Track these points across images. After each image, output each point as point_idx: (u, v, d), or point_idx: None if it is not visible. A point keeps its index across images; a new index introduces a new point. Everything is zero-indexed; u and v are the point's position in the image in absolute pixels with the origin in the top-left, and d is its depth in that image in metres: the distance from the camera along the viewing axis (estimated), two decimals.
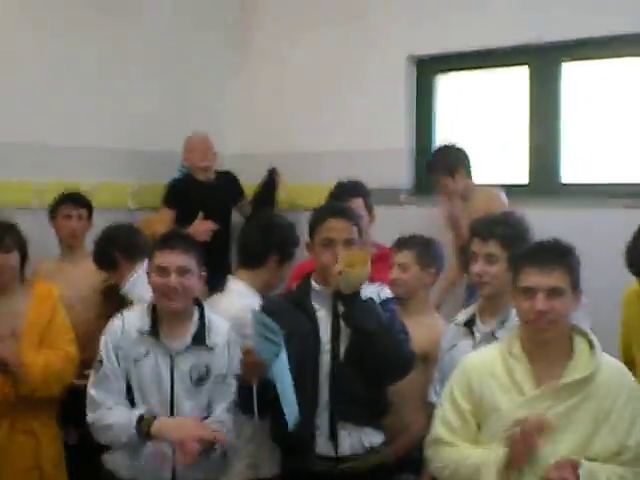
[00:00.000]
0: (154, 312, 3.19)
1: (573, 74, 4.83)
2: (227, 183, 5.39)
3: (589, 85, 4.78)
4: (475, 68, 5.20)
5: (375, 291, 3.18)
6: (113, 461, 3.20)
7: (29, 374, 3.46)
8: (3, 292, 3.58)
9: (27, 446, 3.57)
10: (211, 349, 3.17)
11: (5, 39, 4.73)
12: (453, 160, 4.75)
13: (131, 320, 3.20)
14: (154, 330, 3.14)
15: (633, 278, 3.42)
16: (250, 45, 5.95)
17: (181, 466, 3.07)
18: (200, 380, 3.15)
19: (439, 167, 4.76)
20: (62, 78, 4.98)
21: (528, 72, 4.94)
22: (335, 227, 3.17)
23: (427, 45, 5.21)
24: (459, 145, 4.78)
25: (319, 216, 3.23)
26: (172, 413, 3.12)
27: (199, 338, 3.17)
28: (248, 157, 5.63)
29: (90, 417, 3.12)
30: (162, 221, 4.94)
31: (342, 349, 3.10)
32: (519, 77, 5.01)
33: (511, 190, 4.67)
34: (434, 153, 4.92)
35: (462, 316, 3.31)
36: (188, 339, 3.17)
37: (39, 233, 4.23)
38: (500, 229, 3.17)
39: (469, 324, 3.24)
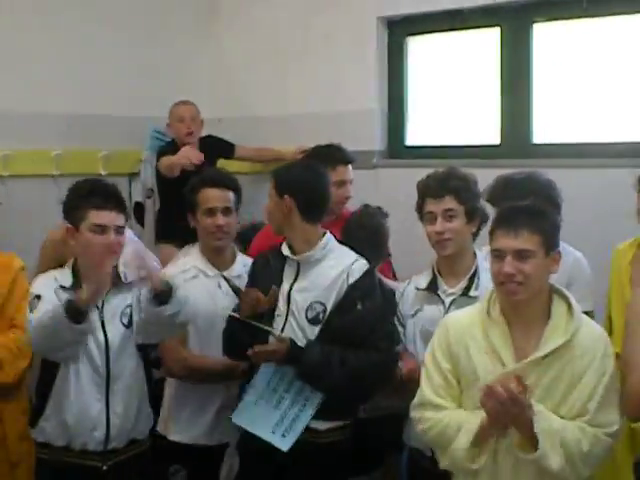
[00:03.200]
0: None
1: (545, 34, 4.78)
2: (212, 146, 5.29)
3: (561, 45, 4.74)
4: (446, 30, 5.14)
5: (342, 273, 3.11)
6: (43, 432, 3.20)
7: None
8: None
9: None
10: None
11: None
12: None
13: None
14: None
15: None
16: (218, 10, 5.87)
17: (115, 425, 3.14)
18: None
19: None
20: (29, 45, 4.89)
21: (499, 33, 4.91)
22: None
23: (397, 6, 5.15)
24: None
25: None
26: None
27: None
28: (216, 122, 5.56)
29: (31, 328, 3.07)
30: None
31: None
32: (490, 39, 4.97)
33: (483, 151, 4.67)
34: None
35: (421, 280, 3.28)
36: None
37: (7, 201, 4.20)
38: (453, 183, 3.17)
39: (432, 288, 3.22)
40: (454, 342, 2.72)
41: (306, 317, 3.10)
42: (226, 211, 3.54)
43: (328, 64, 5.38)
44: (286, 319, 3.13)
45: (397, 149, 5.33)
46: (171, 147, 5.06)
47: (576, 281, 3.51)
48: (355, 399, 3.16)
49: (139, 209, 5.33)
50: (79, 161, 5.07)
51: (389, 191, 4.59)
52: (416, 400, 2.78)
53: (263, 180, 4.23)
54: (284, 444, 3.04)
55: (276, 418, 3.08)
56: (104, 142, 5.23)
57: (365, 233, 3.62)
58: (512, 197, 3.13)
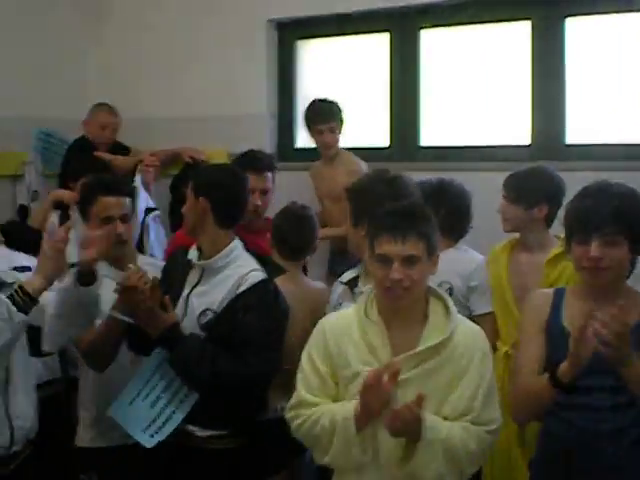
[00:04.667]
0: None
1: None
2: (116, 151, 5.28)
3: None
4: (337, 35, 5.20)
5: (235, 278, 3.06)
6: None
7: None
8: None
9: None
10: None
11: None
12: (339, 113, 4.73)
13: None
14: None
15: None
16: (109, 12, 5.79)
17: (17, 427, 3.06)
18: None
19: (337, 116, 4.71)
20: None
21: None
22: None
23: (286, 8, 5.17)
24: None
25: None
26: None
27: None
28: None
29: None
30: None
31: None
32: (379, 43, 5.04)
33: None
34: (329, 102, 4.78)
35: (347, 274, 3.27)
36: None
37: None
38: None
39: (351, 284, 3.20)
40: (331, 344, 2.69)
41: (198, 322, 3.06)
42: (124, 218, 3.43)
43: (219, 67, 5.36)
44: (181, 322, 3.07)
45: (287, 152, 5.34)
46: (85, 144, 5.11)
47: (476, 284, 3.61)
48: (229, 406, 3.06)
49: (23, 212, 5.18)
50: None
51: (280, 195, 4.57)
52: (292, 401, 2.73)
53: None
54: (149, 442, 3.01)
55: (150, 417, 3.05)
56: None
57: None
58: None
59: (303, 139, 5.34)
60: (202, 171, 3.28)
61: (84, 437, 3.42)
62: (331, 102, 4.75)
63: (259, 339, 2.99)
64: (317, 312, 3.24)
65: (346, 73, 5.19)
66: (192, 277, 3.15)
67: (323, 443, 2.63)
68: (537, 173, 3.65)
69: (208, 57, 5.38)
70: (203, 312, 3.06)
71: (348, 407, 2.58)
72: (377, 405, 2.50)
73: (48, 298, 3.10)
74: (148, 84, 5.59)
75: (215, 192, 3.09)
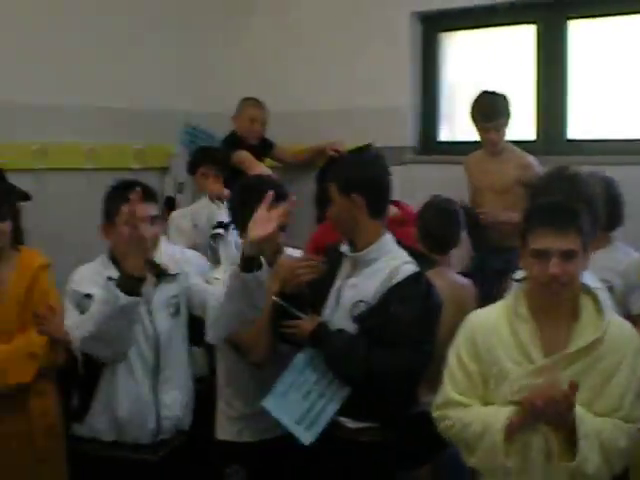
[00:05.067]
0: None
1: (580, 31, 4.75)
2: (264, 146, 5.41)
3: (596, 42, 4.71)
4: (481, 26, 5.12)
5: (388, 271, 3.04)
6: (91, 427, 3.21)
7: None
8: None
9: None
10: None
11: None
12: (506, 109, 4.57)
13: None
14: None
15: None
16: (254, 7, 5.86)
17: (165, 417, 3.17)
18: None
19: (503, 113, 4.57)
20: (76, 43, 4.90)
21: (535, 30, 4.87)
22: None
23: (432, 1, 5.13)
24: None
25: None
26: None
27: None
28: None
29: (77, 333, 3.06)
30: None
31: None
32: (525, 35, 4.94)
33: (519, 146, 4.63)
34: (495, 96, 4.61)
35: (521, 273, 3.09)
36: None
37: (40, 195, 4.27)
38: None
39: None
40: (480, 341, 2.68)
41: (350, 314, 3.05)
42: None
43: (363, 60, 5.35)
44: (333, 313, 3.09)
45: (430, 145, 5.33)
46: (236, 140, 5.20)
47: (632, 282, 3.50)
48: (381, 400, 3.07)
49: (170, 203, 5.33)
50: (111, 155, 5.09)
51: (420, 189, 4.53)
52: (439, 400, 2.73)
53: None
54: (306, 437, 3.03)
55: (304, 409, 3.06)
56: (136, 136, 5.24)
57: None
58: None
59: (446, 132, 5.31)
60: (347, 167, 3.21)
61: (230, 430, 3.39)
62: (497, 96, 4.57)
63: (413, 332, 2.96)
64: (463, 307, 3.20)
65: (491, 65, 5.11)
66: (344, 269, 3.15)
67: (472, 448, 2.62)
68: None
69: (352, 51, 5.39)
70: (355, 304, 3.05)
71: (502, 414, 2.55)
72: (534, 418, 2.48)
73: (210, 289, 3.18)
74: (293, 79, 5.65)
75: (369, 187, 3.07)
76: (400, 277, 3.01)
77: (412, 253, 3.15)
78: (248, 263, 2.81)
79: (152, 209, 3.19)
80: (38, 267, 3.60)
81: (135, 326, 3.07)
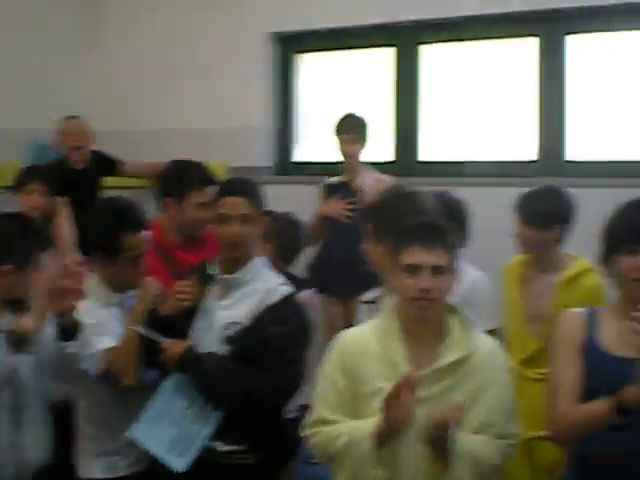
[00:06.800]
0: None
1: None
2: (98, 162, 5.14)
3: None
4: (338, 49, 5.20)
5: (264, 291, 3.04)
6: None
7: None
8: None
9: None
10: None
11: None
12: (365, 128, 4.66)
13: None
14: None
15: None
16: (105, 24, 5.75)
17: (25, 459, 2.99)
18: None
19: (359, 130, 4.64)
20: None
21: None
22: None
23: (288, 22, 5.16)
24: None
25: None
26: None
27: None
28: (100, 135, 5.39)
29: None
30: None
31: None
32: (382, 58, 5.04)
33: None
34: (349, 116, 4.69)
35: (370, 294, 3.18)
36: None
37: None
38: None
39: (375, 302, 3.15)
40: (350, 358, 2.67)
41: (223, 335, 3.02)
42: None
43: (219, 80, 5.31)
44: (203, 336, 3.03)
45: (286, 166, 5.35)
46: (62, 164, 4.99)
47: (474, 301, 3.53)
48: (250, 421, 3.03)
49: None
50: None
51: (279, 208, 4.55)
52: (310, 419, 2.71)
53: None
54: (179, 464, 2.94)
55: (173, 435, 2.98)
56: None
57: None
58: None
59: (301, 153, 5.33)
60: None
61: (93, 469, 3.22)
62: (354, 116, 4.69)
63: (288, 352, 2.98)
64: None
65: (348, 87, 5.19)
66: (214, 291, 3.11)
67: (342, 460, 2.60)
68: (551, 194, 3.63)
69: (208, 70, 5.36)
70: (229, 325, 3.02)
71: (368, 424, 2.54)
72: (399, 420, 2.47)
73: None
74: (147, 97, 5.56)
75: None
76: (276, 298, 3.02)
77: (285, 274, 3.21)
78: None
79: None
80: None
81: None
